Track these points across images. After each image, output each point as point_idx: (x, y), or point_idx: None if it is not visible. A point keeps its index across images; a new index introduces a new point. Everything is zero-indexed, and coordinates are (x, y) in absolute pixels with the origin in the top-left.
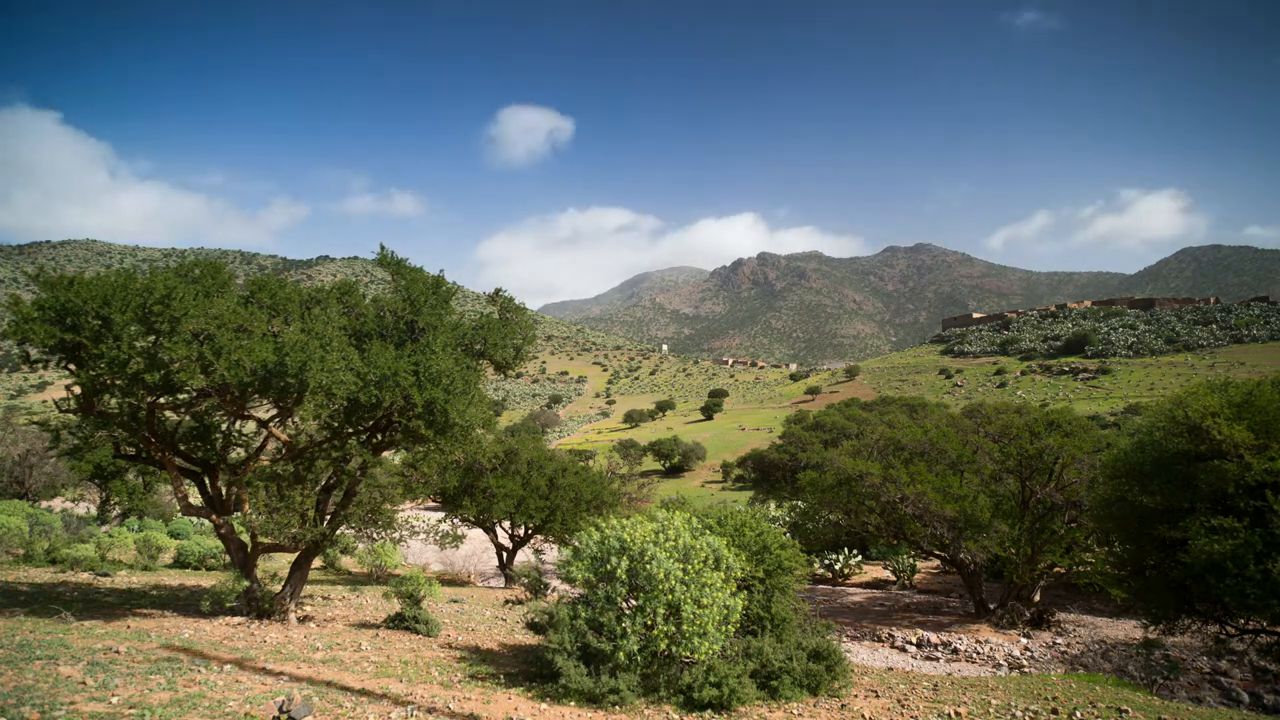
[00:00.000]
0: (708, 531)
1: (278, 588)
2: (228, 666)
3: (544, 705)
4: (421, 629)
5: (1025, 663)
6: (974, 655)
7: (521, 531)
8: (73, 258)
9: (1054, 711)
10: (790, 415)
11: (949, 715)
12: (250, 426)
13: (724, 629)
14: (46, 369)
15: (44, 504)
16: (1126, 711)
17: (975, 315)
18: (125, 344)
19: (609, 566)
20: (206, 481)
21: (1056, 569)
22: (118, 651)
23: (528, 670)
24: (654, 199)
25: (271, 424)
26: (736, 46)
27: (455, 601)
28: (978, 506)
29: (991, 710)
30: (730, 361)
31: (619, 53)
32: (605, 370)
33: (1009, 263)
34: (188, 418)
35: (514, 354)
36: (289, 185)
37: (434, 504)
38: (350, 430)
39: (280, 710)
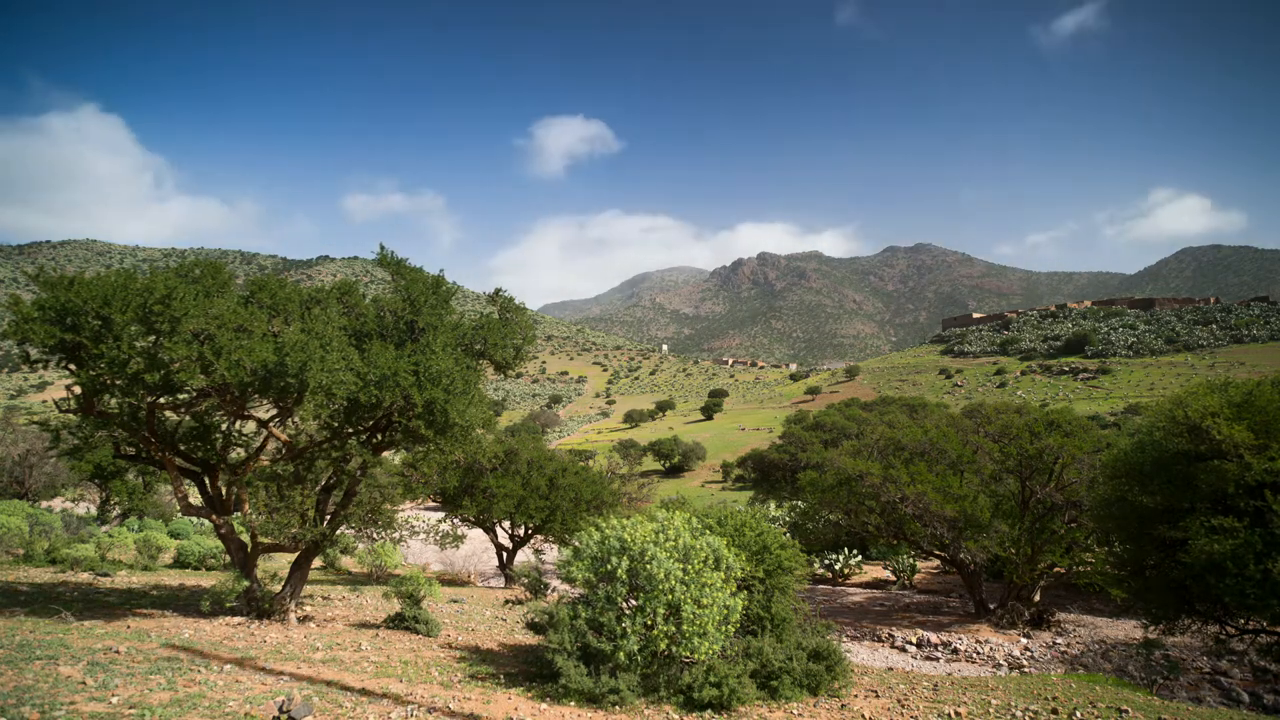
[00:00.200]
0: (708, 531)
1: (278, 588)
2: (228, 666)
3: (544, 705)
4: (421, 629)
5: (1025, 663)
6: (974, 655)
7: (521, 531)
8: (72, 258)
9: (1054, 711)
10: (790, 415)
11: (949, 715)
12: (250, 426)
13: (724, 629)
14: (46, 369)
15: (44, 504)
16: (1126, 711)
17: (975, 315)
18: (125, 344)
19: (609, 566)
20: (206, 481)
21: (1056, 569)
22: (118, 651)
23: (528, 670)
24: (679, 204)
25: (271, 424)
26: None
27: (455, 601)
28: (978, 506)
29: (991, 710)
30: (730, 361)
31: (626, 53)
32: (605, 370)
33: (1009, 263)
34: (188, 418)
35: (514, 354)
36: (313, 189)
37: (434, 504)
38: (350, 430)
39: (280, 710)
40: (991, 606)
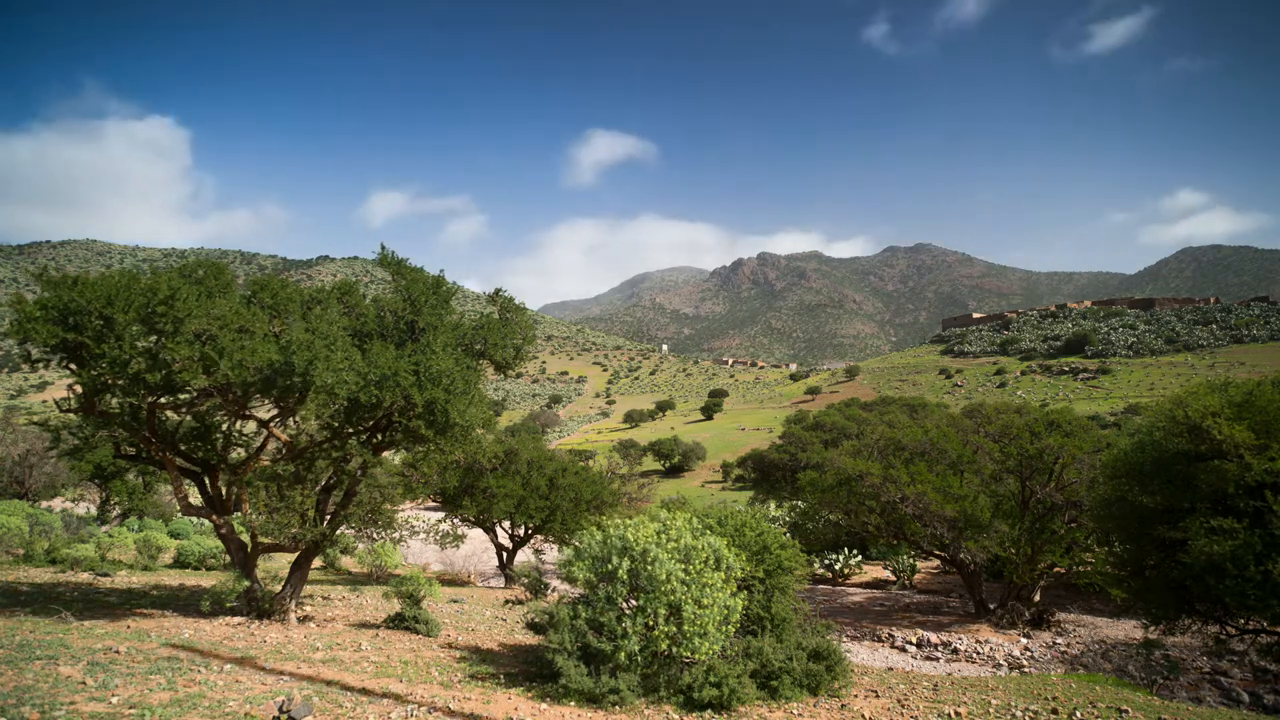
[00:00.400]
0: (708, 532)
1: (278, 588)
2: (228, 666)
3: (544, 705)
4: (421, 629)
5: (1025, 663)
6: (974, 655)
7: (521, 531)
8: (73, 258)
9: (1054, 711)
10: (790, 415)
11: (949, 715)
12: (250, 426)
13: (724, 629)
14: (47, 369)
15: (44, 504)
16: (1126, 711)
17: (975, 315)
18: (127, 344)
19: (610, 566)
20: (206, 481)
21: (1056, 569)
22: (118, 651)
23: (528, 670)
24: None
25: (272, 424)
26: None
27: (455, 601)
28: (978, 506)
29: (991, 710)
30: (730, 361)
31: (621, 54)
32: (605, 370)
33: (1009, 263)
34: (188, 418)
35: (514, 354)
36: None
37: (434, 504)
38: (350, 430)
39: (280, 710)
40: (991, 606)
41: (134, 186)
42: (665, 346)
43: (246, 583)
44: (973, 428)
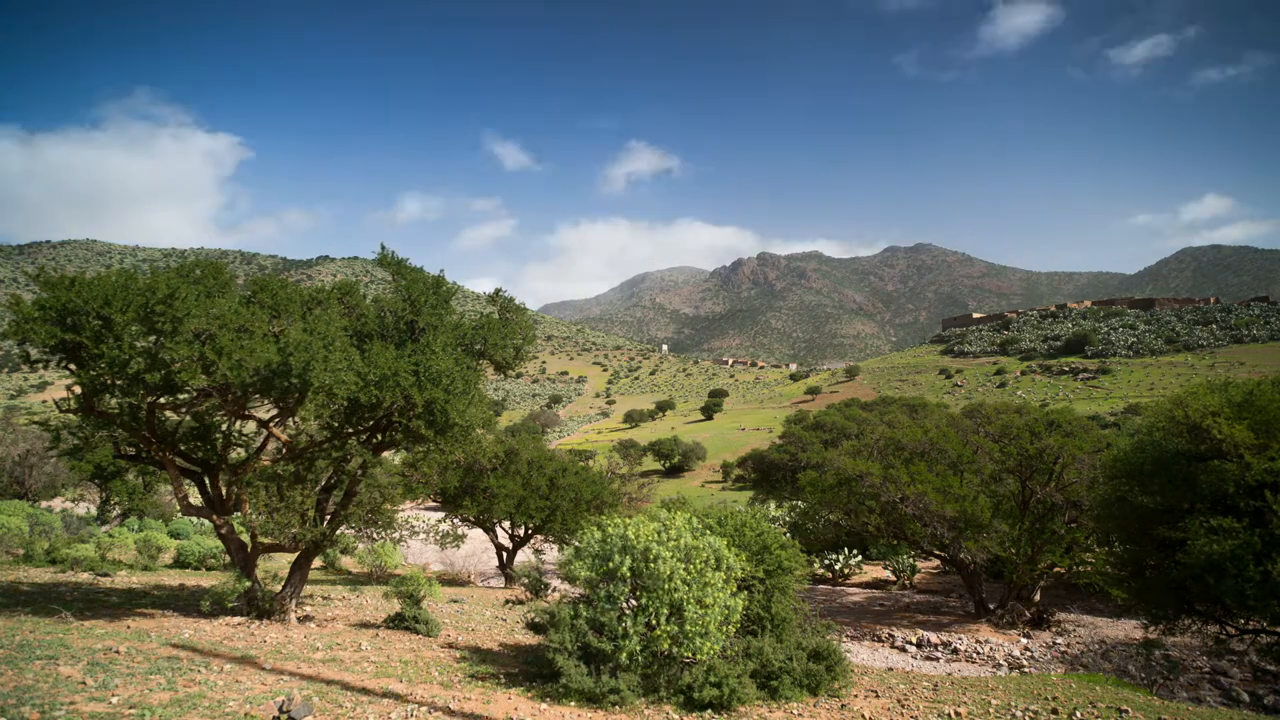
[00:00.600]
0: (708, 532)
1: (278, 588)
2: (228, 666)
3: (544, 705)
4: (421, 629)
5: (1025, 663)
6: (974, 655)
7: (521, 531)
8: (73, 258)
9: (1054, 711)
10: (790, 415)
11: (949, 715)
12: (250, 426)
13: (725, 629)
14: (47, 369)
15: (44, 504)
16: (1126, 711)
17: (975, 315)
18: (126, 344)
19: (612, 565)
20: (206, 481)
21: (1056, 569)
22: (118, 651)
23: (528, 670)
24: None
25: (272, 424)
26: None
27: (455, 601)
28: (978, 506)
29: (991, 710)
30: (730, 361)
31: (619, 54)
32: (605, 370)
33: (1009, 263)
34: (188, 418)
35: (514, 354)
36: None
37: (434, 504)
38: (350, 430)
39: (280, 710)
40: (991, 606)
41: (173, 194)
42: (665, 346)
43: (247, 583)
44: (973, 428)
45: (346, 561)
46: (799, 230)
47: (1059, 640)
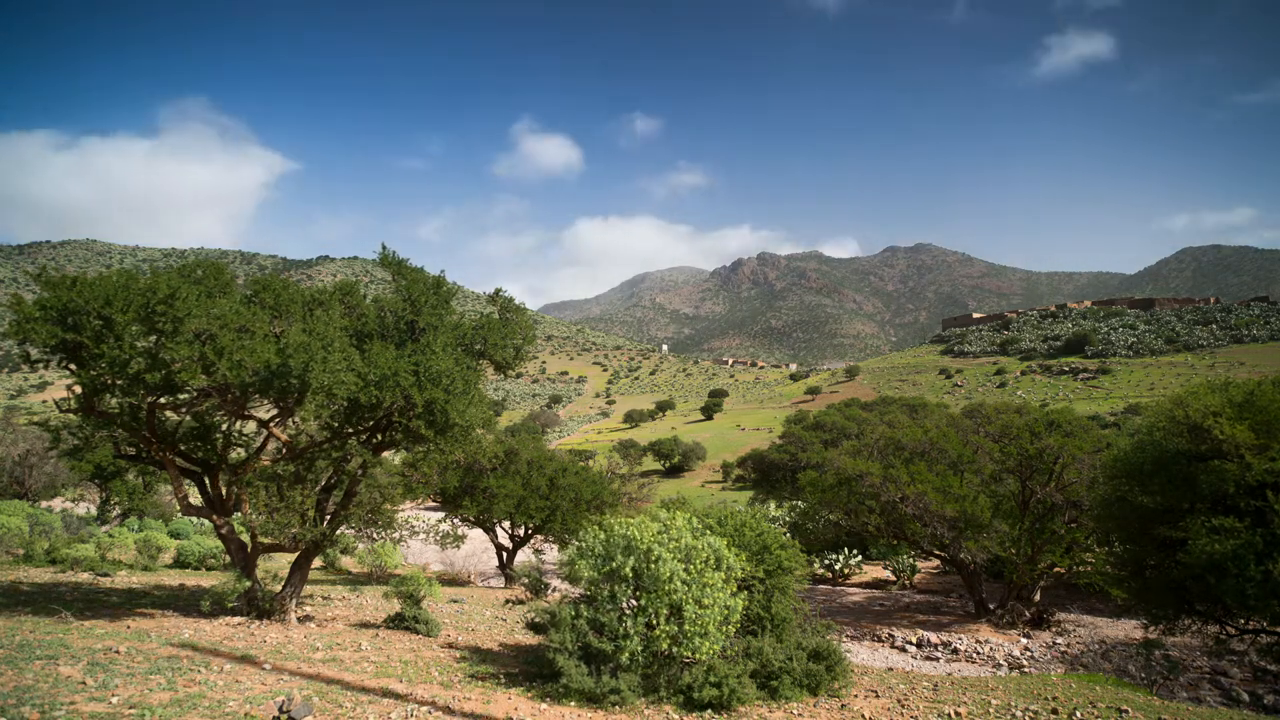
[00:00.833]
0: (708, 532)
1: (278, 588)
2: (228, 666)
3: (544, 705)
4: (421, 629)
5: (1025, 663)
6: (974, 655)
7: (521, 531)
8: (73, 258)
9: (1054, 711)
10: (790, 415)
11: (949, 715)
12: (250, 426)
13: (725, 629)
14: (47, 369)
15: (44, 504)
16: (1126, 711)
17: (975, 315)
18: (127, 344)
19: (615, 565)
20: (207, 481)
21: (1056, 569)
22: (118, 651)
23: (528, 670)
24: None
25: (272, 424)
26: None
27: (455, 601)
28: (978, 506)
29: (991, 710)
30: (730, 361)
31: (621, 53)
32: (605, 370)
33: (1009, 263)
34: (188, 418)
35: (514, 354)
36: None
37: (434, 504)
38: (350, 430)
39: (280, 710)
40: (991, 606)
41: (212, 200)
42: (665, 346)
43: (247, 583)
44: (973, 428)
45: (346, 561)
46: (799, 230)
47: (1059, 640)
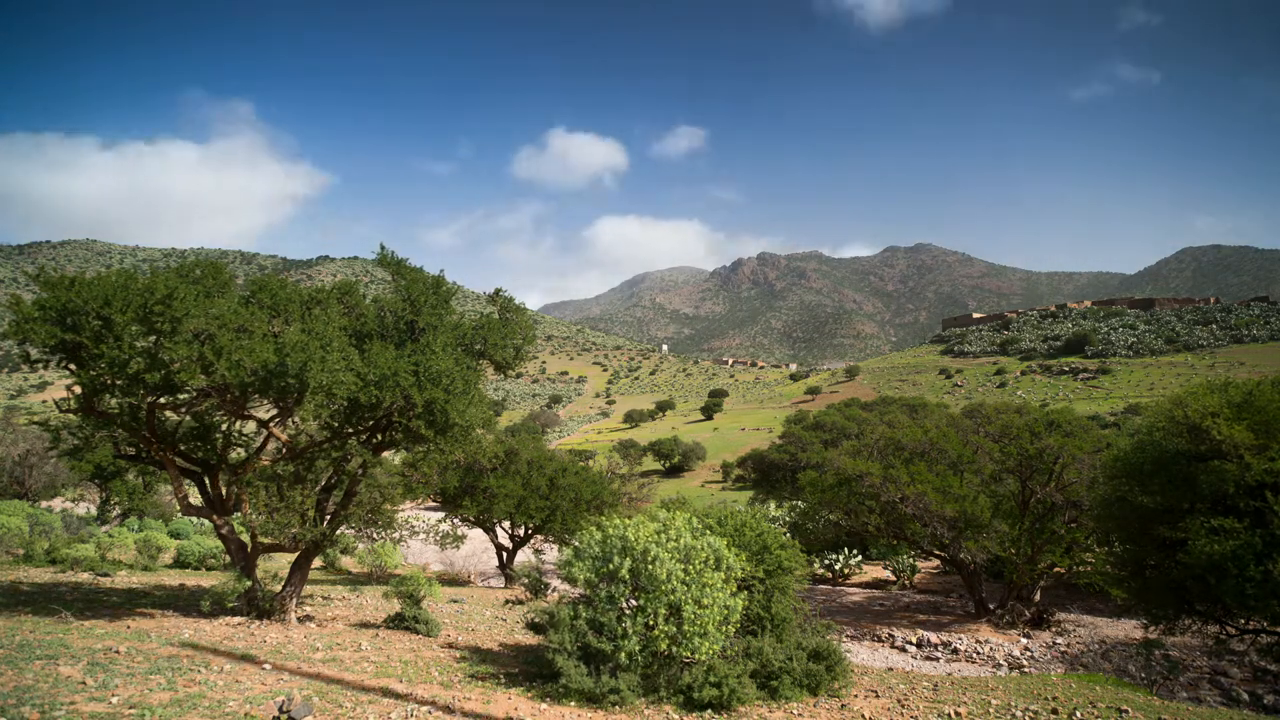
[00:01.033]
0: (708, 532)
1: (278, 588)
2: (228, 666)
3: (544, 705)
4: (421, 629)
5: (1025, 663)
6: (974, 655)
7: (521, 531)
8: (73, 258)
9: (1054, 711)
10: (790, 415)
11: (949, 715)
12: (250, 426)
13: (724, 629)
14: (46, 369)
15: (44, 504)
16: (1126, 711)
17: (975, 315)
18: (126, 344)
19: (611, 566)
20: (206, 481)
21: (1056, 569)
22: (118, 651)
23: (528, 670)
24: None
25: (272, 424)
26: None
27: (455, 601)
28: (978, 506)
29: (991, 710)
30: (730, 361)
31: (620, 54)
32: (605, 370)
33: (1009, 263)
34: (188, 418)
35: (514, 354)
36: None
37: (434, 504)
38: (350, 430)
39: (280, 710)
40: (991, 606)
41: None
42: (665, 346)
43: (247, 583)
44: (973, 428)
45: (346, 561)
46: (799, 230)
47: (1059, 640)
